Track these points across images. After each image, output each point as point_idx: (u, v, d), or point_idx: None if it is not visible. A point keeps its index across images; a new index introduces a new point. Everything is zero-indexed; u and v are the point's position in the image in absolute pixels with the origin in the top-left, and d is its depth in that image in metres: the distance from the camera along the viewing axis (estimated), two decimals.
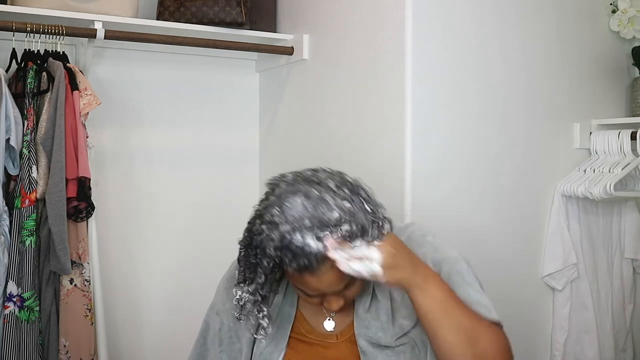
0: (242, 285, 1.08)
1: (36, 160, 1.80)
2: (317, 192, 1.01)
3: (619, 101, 2.14)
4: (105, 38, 1.91)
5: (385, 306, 1.15)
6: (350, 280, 1.07)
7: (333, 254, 0.99)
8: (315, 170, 1.08)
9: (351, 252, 1.00)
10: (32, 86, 1.83)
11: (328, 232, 0.99)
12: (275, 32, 2.29)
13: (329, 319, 1.20)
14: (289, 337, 1.20)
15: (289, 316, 1.22)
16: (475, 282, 1.14)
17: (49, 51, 1.89)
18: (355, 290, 1.12)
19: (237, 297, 1.08)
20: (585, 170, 1.99)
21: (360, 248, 1.00)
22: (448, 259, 1.15)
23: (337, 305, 1.11)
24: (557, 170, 2.00)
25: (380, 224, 1.03)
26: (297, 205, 1.00)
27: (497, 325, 1.10)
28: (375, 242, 1.01)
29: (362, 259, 1.00)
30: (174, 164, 2.33)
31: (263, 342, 1.18)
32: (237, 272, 1.10)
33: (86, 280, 1.88)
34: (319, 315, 1.21)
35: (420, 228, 1.23)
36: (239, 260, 1.09)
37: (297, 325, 1.22)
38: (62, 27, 1.85)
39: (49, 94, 1.83)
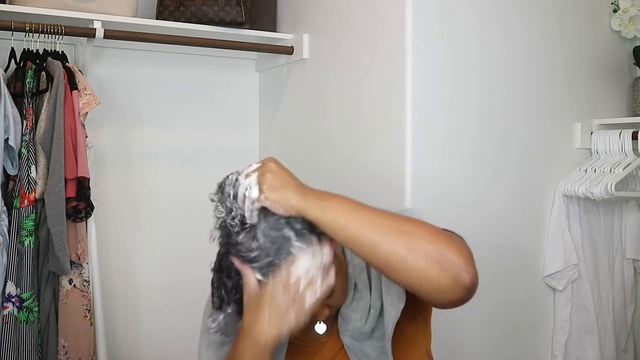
0: (218, 310, 1.08)
1: (35, 160, 1.80)
2: None
3: (620, 101, 2.13)
4: (104, 38, 1.91)
5: (365, 294, 1.13)
6: None
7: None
8: None
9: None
10: (31, 86, 1.83)
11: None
12: (275, 31, 2.29)
13: (320, 322, 1.19)
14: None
15: None
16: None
17: (48, 51, 1.88)
18: (338, 297, 1.10)
19: (217, 323, 1.08)
20: (586, 170, 1.99)
21: (241, 182, 1.02)
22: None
23: (323, 315, 1.11)
24: (558, 170, 1.99)
25: None
26: None
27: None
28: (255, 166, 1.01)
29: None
30: (174, 164, 2.33)
31: None
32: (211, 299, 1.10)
33: (85, 280, 1.87)
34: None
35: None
36: (212, 284, 1.11)
37: None
38: (61, 26, 1.84)
39: (47, 93, 1.83)
